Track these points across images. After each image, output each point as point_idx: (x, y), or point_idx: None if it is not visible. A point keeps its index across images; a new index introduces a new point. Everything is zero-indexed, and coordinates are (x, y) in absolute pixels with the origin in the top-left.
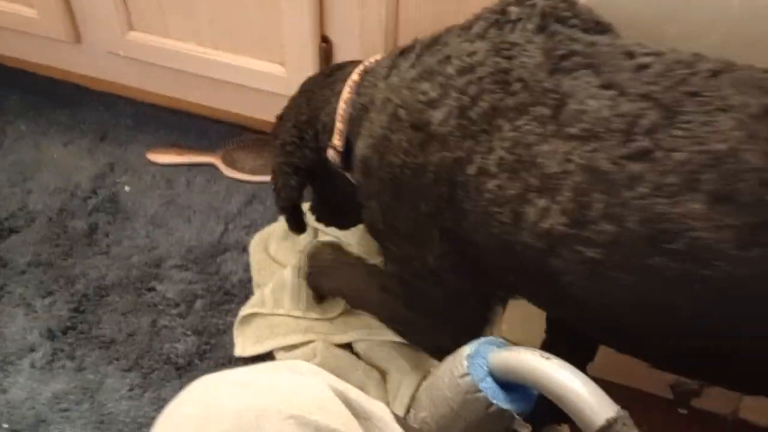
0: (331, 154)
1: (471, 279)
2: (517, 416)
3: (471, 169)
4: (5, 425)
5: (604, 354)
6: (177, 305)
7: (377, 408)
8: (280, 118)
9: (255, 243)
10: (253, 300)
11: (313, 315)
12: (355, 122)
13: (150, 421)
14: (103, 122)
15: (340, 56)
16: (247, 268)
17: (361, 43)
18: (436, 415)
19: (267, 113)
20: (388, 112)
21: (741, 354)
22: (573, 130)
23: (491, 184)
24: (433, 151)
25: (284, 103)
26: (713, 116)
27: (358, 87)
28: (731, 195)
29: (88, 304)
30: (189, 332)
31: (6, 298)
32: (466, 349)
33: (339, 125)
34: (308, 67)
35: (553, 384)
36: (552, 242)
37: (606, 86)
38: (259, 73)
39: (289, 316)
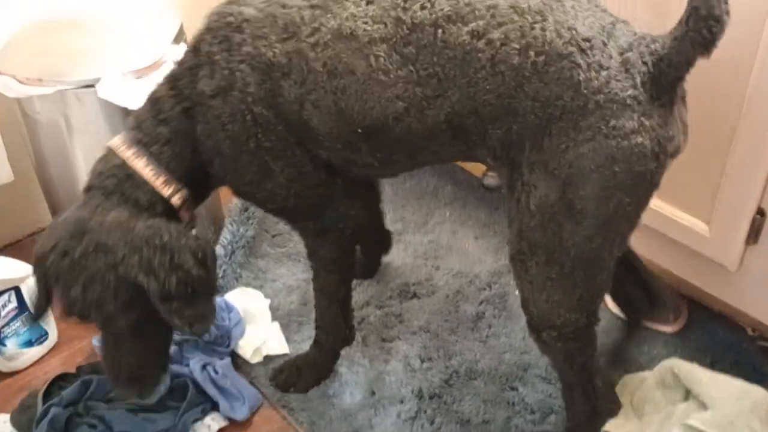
0: (178, 202)
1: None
2: None
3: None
4: None
5: None
6: (533, 412)
7: None
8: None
9: (622, 384)
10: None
11: None
12: (175, 153)
13: None
14: None
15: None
16: None
17: None
18: None
19: (674, 265)
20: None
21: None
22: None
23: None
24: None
25: (696, 263)
26: None
27: (135, 147)
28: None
29: (457, 380)
30: None
31: (394, 349)
32: None
33: (160, 180)
34: (736, 233)
35: None
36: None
37: None
38: (680, 225)
39: None
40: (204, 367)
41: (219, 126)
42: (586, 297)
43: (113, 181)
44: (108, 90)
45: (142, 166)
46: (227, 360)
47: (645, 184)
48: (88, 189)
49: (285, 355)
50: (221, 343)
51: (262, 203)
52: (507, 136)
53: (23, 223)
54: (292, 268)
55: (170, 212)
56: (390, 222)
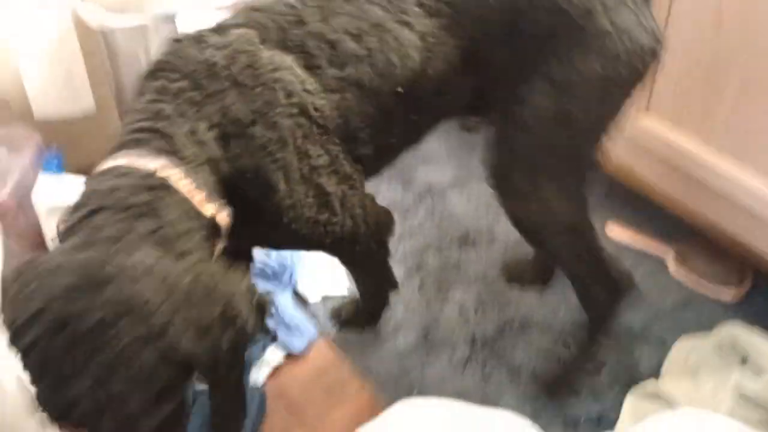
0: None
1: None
2: None
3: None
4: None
5: None
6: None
7: None
8: None
9: (679, 346)
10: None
11: None
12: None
13: None
14: None
15: None
16: (660, 362)
17: None
18: None
19: (737, 230)
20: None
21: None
22: None
23: None
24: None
25: (761, 228)
26: None
27: (166, 157)
28: None
29: (510, 331)
30: (587, 393)
31: (450, 296)
32: None
33: (201, 195)
34: None
35: None
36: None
37: None
38: (746, 187)
39: None
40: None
41: (267, 157)
42: (576, 191)
43: (145, 197)
44: (187, 25)
45: (178, 178)
46: (288, 294)
47: (640, 78)
48: (95, 211)
49: (344, 295)
50: (283, 278)
51: (315, 241)
52: (513, 55)
53: (101, 153)
54: None
55: (209, 238)
56: (455, 169)
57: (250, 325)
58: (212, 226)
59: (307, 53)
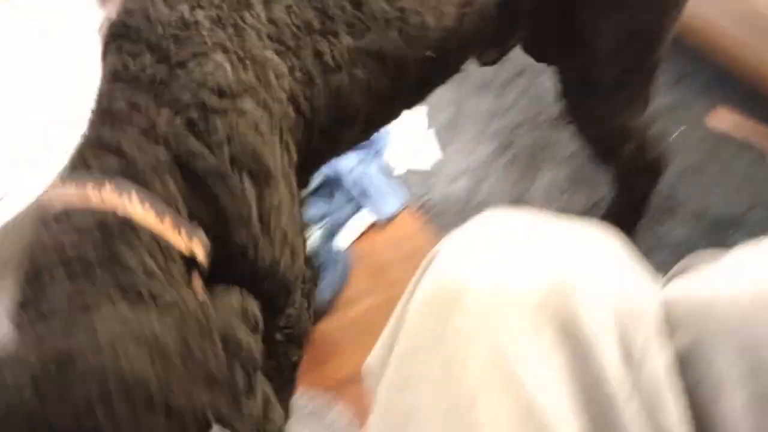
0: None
1: None
2: None
3: None
4: None
5: None
6: (674, 251)
7: None
8: None
9: None
10: None
11: None
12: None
13: None
14: (688, 68)
15: None
16: None
17: None
18: None
19: None
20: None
21: None
22: None
23: None
24: None
25: None
26: None
27: (114, 180)
28: None
29: (599, 211)
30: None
31: (540, 174)
32: None
33: (167, 221)
34: None
35: None
36: None
37: None
38: None
39: None
40: (359, 163)
41: (257, 137)
42: (648, 98)
43: (98, 240)
44: None
45: (133, 205)
46: (376, 163)
47: None
48: (43, 275)
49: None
50: (372, 146)
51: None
52: None
53: None
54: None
55: (184, 270)
56: None
57: (254, 348)
58: (185, 254)
59: (323, 13)
